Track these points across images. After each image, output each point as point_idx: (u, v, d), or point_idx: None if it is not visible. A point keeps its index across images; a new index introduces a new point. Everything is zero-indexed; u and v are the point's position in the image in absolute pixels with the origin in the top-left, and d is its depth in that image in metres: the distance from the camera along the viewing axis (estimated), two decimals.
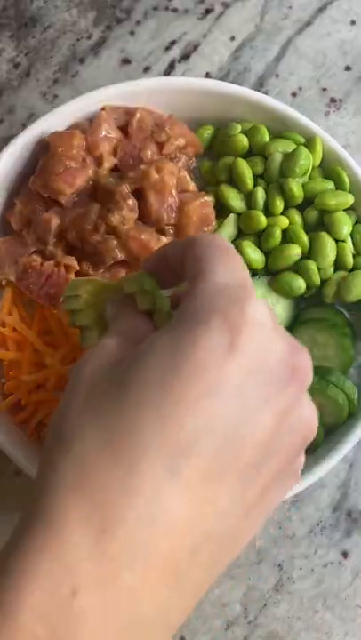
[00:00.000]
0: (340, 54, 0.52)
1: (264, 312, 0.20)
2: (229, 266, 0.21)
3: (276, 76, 0.52)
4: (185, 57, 0.52)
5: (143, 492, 0.18)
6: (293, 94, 0.51)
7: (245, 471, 0.19)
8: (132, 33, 0.52)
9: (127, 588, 0.17)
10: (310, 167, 0.41)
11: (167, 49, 0.51)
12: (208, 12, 0.52)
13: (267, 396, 0.20)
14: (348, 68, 0.52)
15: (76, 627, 0.17)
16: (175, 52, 0.51)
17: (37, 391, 0.38)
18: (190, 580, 0.19)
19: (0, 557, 0.18)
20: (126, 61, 0.51)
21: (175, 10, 0.52)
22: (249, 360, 0.19)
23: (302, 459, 0.22)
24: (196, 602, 0.20)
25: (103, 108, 0.42)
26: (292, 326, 0.40)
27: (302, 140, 0.42)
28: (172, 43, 0.52)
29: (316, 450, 0.38)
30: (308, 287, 0.40)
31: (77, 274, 0.39)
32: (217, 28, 0.52)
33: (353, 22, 0.53)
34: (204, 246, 0.22)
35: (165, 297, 0.27)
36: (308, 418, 0.21)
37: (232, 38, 0.52)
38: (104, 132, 0.41)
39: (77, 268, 0.39)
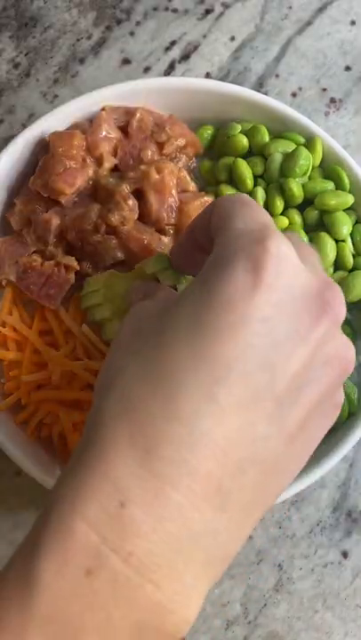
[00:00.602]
0: (340, 54, 0.52)
1: (288, 248, 0.21)
2: (249, 214, 0.22)
3: (277, 76, 0.52)
4: (185, 57, 0.52)
5: (182, 417, 0.19)
6: (293, 94, 0.51)
7: (283, 397, 0.20)
8: (131, 33, 0.52)
9: (172, 502, 0.19)
10: (310, 167, 0.41)
11: (167, 49, 0.52)
12: (208, 12, 0.52)
13: (298, 326, 0.21)
14: (348, 68, 0.52)
15: (125, 534, 0.18)
16: (175, 52, 0.52)
17: (37, 391, 0.38)
18: (237, 502, 0.20)
19: (58, 479, 0.20)
20: (126, 61, 0.51)
21: (175, 10, 0.52)
22: (276, 293, 0.20)
23: (342, 393, 0.23)
24: (247, 530, 0.21)
25: (103, 108, 0.42)
26: None
27: (302, 140, 0.42)
28: (173, 43, 0.52)
29: (316, 449, 0.38)
30: None
31: (77, 274, 0.39)
32: (217, 28, 0.52)
33: (353, 22, 0.53)
34: (224, 203, 0.24)
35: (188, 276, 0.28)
36: (344, 350, 0.22)
37: (232, 38, 0.52)
38: (104, 132, 0.41)
39: (77, 268, 0.39)
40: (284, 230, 0.40)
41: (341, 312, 0.22)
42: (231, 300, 0.20)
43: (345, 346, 0.22)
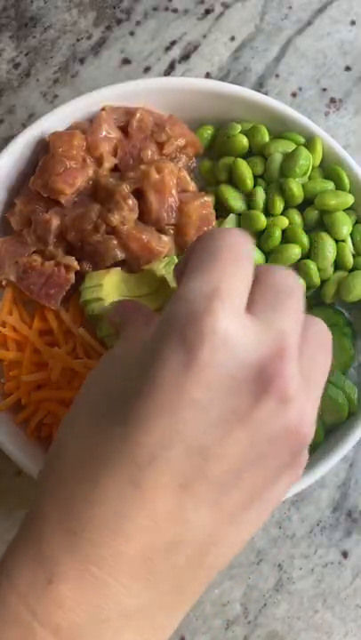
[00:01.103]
0: (340, 54, 0.52)
1: (229, 323, 0.20)
2: (208, 274, 0.21)
3: (277, 76, 0.52)
4: (185, 57, 0.52)
5: (106, 502, 0.20)
6: (293, 94, 0.51)
7: (219, 481, 0.20)
8: (132, 33, 0.52)
9: (98, 580, 0.20)
10: (310, 167, 0.41)
11: (167, 49, 0.52)
12: (208, 12, 0.52)
13: (235, 406, 0.20)
14: (348, 69, 0.52)
15: (52, 608, 0.20)
16: (175, 52, 0.52)
17: (38, 391, 0.38)
18: (169, 579, 0.20)
19: (8, 547, 0.22)
20: (126, 61, 0.51)
21: (175, 10, 0.52)
22: (209, 373, 0.19)
23: (303, 458, 0.22)
24: (188, 603, 0.22)
25: (103, 109, 0.42)
26: None
27: (302, 140, 0.42)
28: (173, 43, 0.52)
29: (316, 449, 0.38)
30: (307, 287, 0.40)
31: (77, 274, 0.39)
32: (217, 28, 0.52)
33: (353, 22, 0.53)
34: (199, 245, 0.22)
35: None
36: (296, 425, 0.21)
37: (232, 38, 0.52)
38: (104, 132, 0.41)
39: (77, 267, 0.39)
40: (284, 230, 0.40)
41: (290, 384, 0.20)
42: (161, 384, 0.19)
43: (297, 420, 0.21)
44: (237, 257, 0.21)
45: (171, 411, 0.19)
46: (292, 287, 0.22)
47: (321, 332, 0.23)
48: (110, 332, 0.35)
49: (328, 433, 0.39)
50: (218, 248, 0.21)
